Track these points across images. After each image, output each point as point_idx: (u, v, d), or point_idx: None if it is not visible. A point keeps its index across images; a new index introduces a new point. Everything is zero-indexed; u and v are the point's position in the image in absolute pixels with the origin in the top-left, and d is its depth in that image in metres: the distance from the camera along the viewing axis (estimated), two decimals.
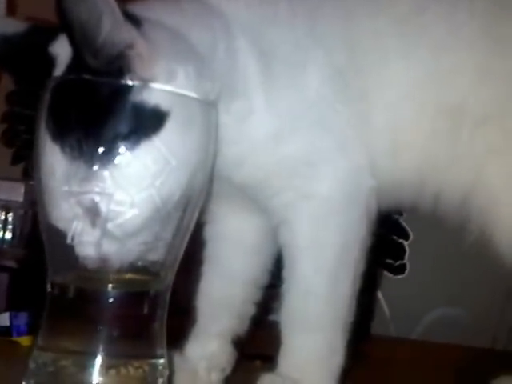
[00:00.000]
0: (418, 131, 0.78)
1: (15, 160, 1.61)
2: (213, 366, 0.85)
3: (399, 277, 1.25)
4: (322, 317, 0.76)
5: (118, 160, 0.62)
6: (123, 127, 0.62)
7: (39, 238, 1.05)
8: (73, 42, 0.61)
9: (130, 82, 0.63)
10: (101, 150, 0.62)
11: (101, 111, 0.62)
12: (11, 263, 1.09)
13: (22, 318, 1.02)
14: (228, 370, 0.87)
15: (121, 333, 0.66)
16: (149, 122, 0.63)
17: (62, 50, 0.67)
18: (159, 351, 0.69)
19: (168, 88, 0.65)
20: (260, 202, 0.78)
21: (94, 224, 0.63)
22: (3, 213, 1.13)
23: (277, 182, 0.76)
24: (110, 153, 0.62)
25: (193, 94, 0.66)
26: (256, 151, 0.75)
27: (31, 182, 1.15)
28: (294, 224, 0.76)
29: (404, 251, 1.25)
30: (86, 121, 0.62)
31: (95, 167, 0.62)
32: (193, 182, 0.66)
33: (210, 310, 0.86)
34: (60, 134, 0.62)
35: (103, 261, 0.64)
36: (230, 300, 0.86)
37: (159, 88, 0.64)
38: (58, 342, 0.67)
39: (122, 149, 0.62)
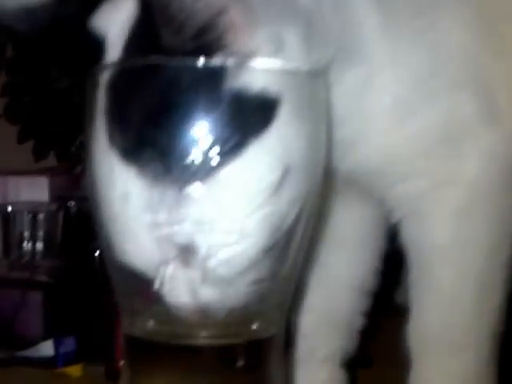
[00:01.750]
0: None
1: (22, 138, 1.45)
2: None
3: None
4: (466, 333, 0.60)
5: (218, 173, 0.44)
6: (222, 127, 0.44)
7: (74, 243, 0.87)
8: (145, 18, 0.43)
9: (224, 62, 0.44)
10: (194, 162, 0.44)
11: (188, 108, 0.44)
12: (45, 278, 0.91)
13: (70, 344, 0.85)
14: None
15: None
16: (255, 114, 0.45)
17: (110, 24, 0.48)
18: None
19: (276, 63, 0.46)
20: (375, 192, 0.61)
21: (188, 263, 0.46)
22: (30, 215, 0.92)
23: (403, 166, 0.58)
24: (207, 165, 0.44)
25: (305, 67, 0.48)
26: (376, 129, 0.57)
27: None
28: (429, 218, 0.59)
29: None
30: (169, 125, 0.44)
31: (188, 187, 0.44)
32: (311, 187, 0.49)
33: (314, 327, 0.69)
34: (133, 149, 0.44)
35: (201, 310, 0.47)
36: (337, 312, 0.69)
37: (264, 65, 0.45)
38: None
39: (222, 157, 0.44)
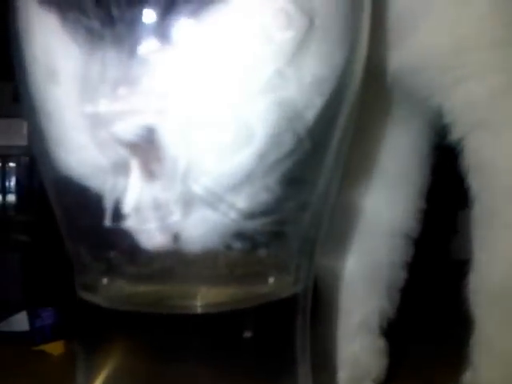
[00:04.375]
0: None
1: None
2: (359, 376, 0.54)
3: None
4: None
5: (197, 23, 0.27)
6: None
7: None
8: None
9: None
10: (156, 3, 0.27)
11: None
12: (23, 237, 0.75)
13: (48, 317, 0.69)
14: (381, 377, 0.55)
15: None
16: None
17: None
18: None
19: None
20: (433, 99, 0.45)
21: (151, 175, 0.29)
22: None
23: (475, 55, 0.42)
24: (181, 7, 0.27)
25: None
26: (441, 4, 0.41)
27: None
28: (508, 131, 0.43)
29: None
30: None
31: (146, 47, 0.27)
32: (346, 67, 0.32)
33: (349, 282, 0.54)
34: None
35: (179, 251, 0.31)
36: (375, 263, 0.54)
37: None
38: None
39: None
